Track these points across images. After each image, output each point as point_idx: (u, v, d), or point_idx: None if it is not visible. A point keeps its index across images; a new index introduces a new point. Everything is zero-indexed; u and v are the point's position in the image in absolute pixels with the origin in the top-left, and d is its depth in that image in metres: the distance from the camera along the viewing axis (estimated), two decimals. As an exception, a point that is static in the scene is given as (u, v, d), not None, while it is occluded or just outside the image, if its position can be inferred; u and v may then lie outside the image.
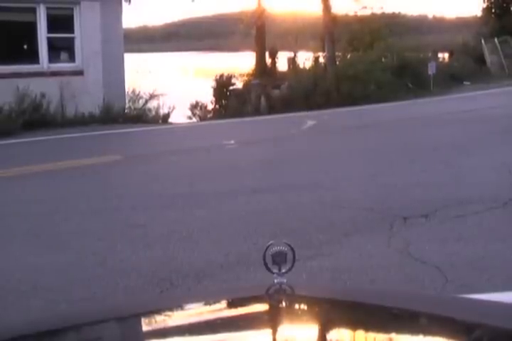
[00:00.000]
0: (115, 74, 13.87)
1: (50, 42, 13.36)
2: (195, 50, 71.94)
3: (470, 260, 4.51)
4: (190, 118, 18.11)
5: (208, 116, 18.36)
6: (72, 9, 13.52)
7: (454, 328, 1.17)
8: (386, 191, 6.63)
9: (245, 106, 17.81)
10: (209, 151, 9.65)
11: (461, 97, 18.45)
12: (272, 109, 16.84)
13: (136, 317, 1.31)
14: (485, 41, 26.84)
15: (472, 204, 5.93)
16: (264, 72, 21.87)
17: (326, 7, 21.07)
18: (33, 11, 13.14)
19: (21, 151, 10.12)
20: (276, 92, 18.58)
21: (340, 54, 22.88)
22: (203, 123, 16.57)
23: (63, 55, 13.78)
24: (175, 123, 15.18)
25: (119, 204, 6.47)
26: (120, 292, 4.07)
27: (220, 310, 1.35)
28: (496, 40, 26.52)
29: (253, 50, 23.43)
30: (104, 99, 13.37)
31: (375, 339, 1.15)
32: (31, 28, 13.21)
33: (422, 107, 16.06)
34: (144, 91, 15.24)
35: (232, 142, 10.57)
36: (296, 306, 1.32)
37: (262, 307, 1.33)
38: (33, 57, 13.23)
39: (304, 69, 22.53)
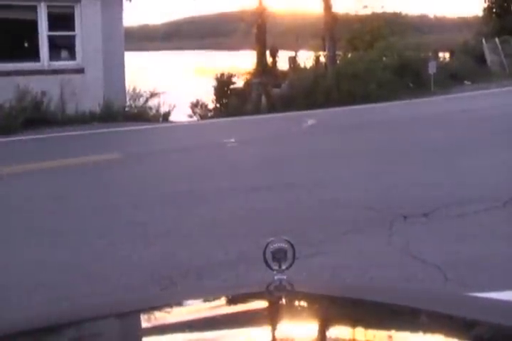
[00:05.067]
0: (116, 72, 13.87)
1: (51, 40, 13.35)
2: (196, 49, 71.91)
3: (470, 259, 4.52)
4: (190, 116, 18.13)
5: (209, 114, 18.39)
6: (73, 7, 13.51)
7: (453, 325, 1.17)
8: (386, 190, 6.63)
9: (246, 104, 17.83)
10: (209, 150, 9.66)
11: (462, 97, 18.43)
12: (272, 108, 16.84)
13: (137, 313, 1.32)
14: (486, 41, 26.82)
15: (472, 204, 5.93)
16: (264, 71, 21.86)
17: (327, 6, 21.08)
18: (34, 9, 13.14)
19: (21, 149, 10.13)
20: (276, 91, 18.59)
21: (340, 53, 22.88)
22: (204, 121, 16.58)
23: (64, 53, 13.77)
24: (175, 122, 15.19)
25: (120, 202, 6.48)
26: (121, 289, 4.07)
27: (220, 306, 1.35)
28: (496, 39, 26.50)
29: (254, 49, 23.41)
30: (104, 97, 13.36)
31: (374, 335, 1.16)
32: (32, 26, 13.21)
33: (422, 107, 16.05)
34: (145, 89, 15.24)
35: (233, 140, 10.56)
36: (297, 303, 1.32)
37: (262, 303, 1.34)
38: (33, 55, 13.22)
39: (305, 68, 22.55)
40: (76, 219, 5.81)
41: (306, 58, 23.73)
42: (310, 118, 13.60)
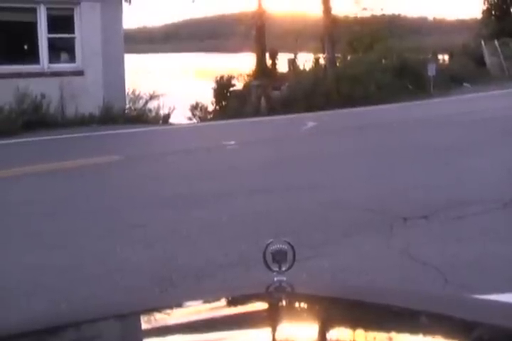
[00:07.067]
0: (115, 74, 13.87)
1: (51, 42, 13.35)
2: (196, 51, 71.91)
3: (470, 261, 4.52)
4: (190, 119, 18.12)
5: (208, 117, 18.37)
6: (73, 9, 13.52)
7: (453, 326, 1.17)
8: (386, 192, 6.63)
9: (245, 107, 17.81)
10: (209, 152, 9.65)
11: (461, 99, 18.44)
12: (272, 110, 16.83)
13: (138, 315, 1.32)
14: (485, 43, 26.84)
15: (472, 205, 5.93)
16: (264, 73, 21.83)
17: (327, 8, 21.07)
18: (34, 11, 13.14)
19: (21, 151, 10.12)
20: (276, 93, 18.57)
21: (340, 55, 22.88)
22: (203, 124, 16.57)
23: (63, 56, 13.78)
24: (175, 124, 15.19)
25: (119, 204, 6.48)
26: (120, 292, 4.07)
27: (220, 308, 1.35)
28: (495, 41, 26.52)
29: (253, 52, 23.40)
30: (104, 100, 13.36)
31: (374, 337, 1.15)
32: (32, 28, 13.21)
33: (421, 109, 16.05)
34: (144, 91, 15.24)
35: (232, 143, 10.57)
36: (296, 304, 1.32)
37: (262, 305, 1.33)
38: (33, 57, 13.23)
39: (304, 70, 22.54)
40: (75, 222, 5.80)
41: (306, 60, 23.71)
42: (310, 120, 13.61)
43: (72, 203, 6.52)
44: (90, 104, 13.02)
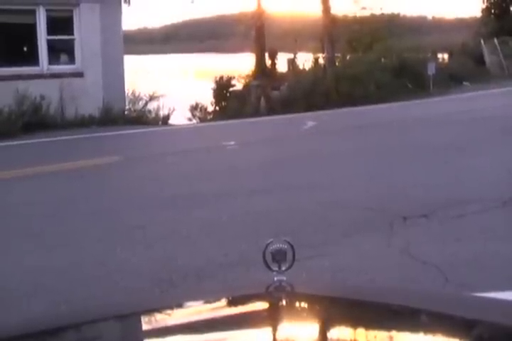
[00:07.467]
0: (115, 75, 13.86)
1: (50, 44, 13.35)
2: (195, 52, 71.92)
3: (470, 260, 4.52)
4: (190, 119, 18.13)
5: (208, 117, 18.39)
6: (72, 11, 13.51)
7: (453, 324, 1.17)
8: (386, 191, 6.63)
9: (245, 107, 17.81)
10: (209, 152, 9.65)
11: (461, 98, 18.44)
12: (271, 110, 16.83)
13: (138, 315, 1.32)
14: (484, 42, 26.84)
15: (472, 204, 5.93)
16: (263, 73, 21.83)
17: (326, 8, 21.07)
18: (33, 13, 13.14)
19: (21, 153, 10.12)
20: (275, 93, 18.57)
21: (339, 55, 22.88)
22: (203, 124, 16.58)
23: (63, 57, 13.77)
24: (175, 125, 15.19)
25: (119, 205, 6.48)
26: (120, 293, 4.07)
27: (220, 307, 1.35)
28: (495, 40, 26.52)
29: (253, 52, 23.40)
30: (103, 101, 13.36)
31: (375, 336, 1.15)
32: (31, 30, 13.21)
33: (421, 108, 16.04)
34: (144, 92, 15.24)
35: (232, 143, 10.57)
36: (296, 304, 1.32)
37: (262, 304, 1.33)
38: (32, 59, 13.23)
39: (304, 70, 22.55)
40: (76, 223, 5.81)
41: (305, 60, 23.72)
42: (309, 120, 13.62)
43: (73, 204, 6.52)
44: (90, 106, 13.02)
